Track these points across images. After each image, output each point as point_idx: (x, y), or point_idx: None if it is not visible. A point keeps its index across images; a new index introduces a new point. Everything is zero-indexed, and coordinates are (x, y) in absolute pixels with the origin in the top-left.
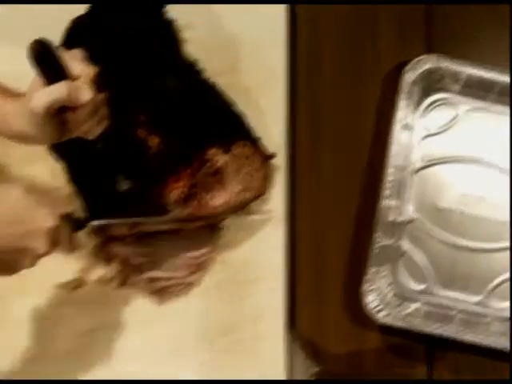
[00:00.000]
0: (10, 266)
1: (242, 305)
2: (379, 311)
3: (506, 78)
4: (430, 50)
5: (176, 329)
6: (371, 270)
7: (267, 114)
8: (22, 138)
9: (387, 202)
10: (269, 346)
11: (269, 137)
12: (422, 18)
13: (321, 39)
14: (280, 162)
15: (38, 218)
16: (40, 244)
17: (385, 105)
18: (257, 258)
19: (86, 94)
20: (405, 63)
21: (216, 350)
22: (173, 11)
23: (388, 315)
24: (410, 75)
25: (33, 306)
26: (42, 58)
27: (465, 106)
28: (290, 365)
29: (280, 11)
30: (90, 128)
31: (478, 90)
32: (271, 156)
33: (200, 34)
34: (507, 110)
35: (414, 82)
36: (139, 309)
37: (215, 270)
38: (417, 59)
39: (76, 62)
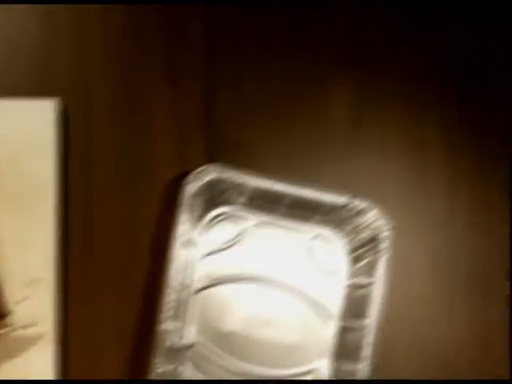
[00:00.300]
0: None
1: None
2: None
3: (295, 191)
4: (212, 159)
5: None
6: None
7: (37, 227)
8: None
9: (167, 324)
10: None
11: (37, 253)
12: (204, 124)
13: (95, 145)
14: (49, 275)
15: None
16: None
17: (164, 219)
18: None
19: None
20: (186, 173)
21: None
22: None
23: None
24: (191, 187)
25: None
26: None
27: (251, 221)
28: None
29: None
30: None
31: (264, 203)
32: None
33: None
34: (296, 224)
35: (196, 195)
36: None
37: None
38: (198, 170)
39: None
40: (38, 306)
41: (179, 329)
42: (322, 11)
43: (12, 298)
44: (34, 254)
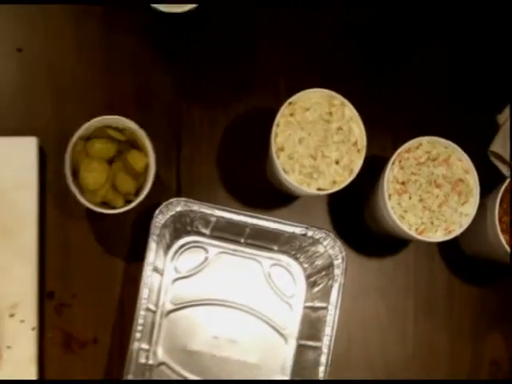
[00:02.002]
0: None
1: None
2: None
3: (256, 221)
4: (179, 193)
5: None
6: None
7: (17, 261)
8: None
9: (138, 344)
10: None
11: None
12: (175, 162)
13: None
14: (30, 310)
15: None
16: None
17: (136, 248)
18: None
19: None
20: (157, 205)
21: None
22: None
23: None
24: (161, 218)
25: None
26: None
27: (215, 249)
28: None
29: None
30: None
31: (228, 233)
32: None
33: None
34: (256, 251)
35: (165, 226)
36: None
37: None
38: (166, 202)
39: None
40: (17, 328)
41: (148, 349)
42: None
43: None
44: (14, 282)
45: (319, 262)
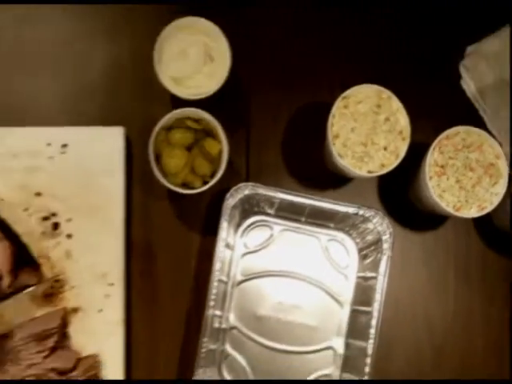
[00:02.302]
0: None
1: None
2: None
3: (314, 202)
4: (248, 178)
5: None
6: (199, 371)
7: (106, 236)
8: None
9: (212, 311)
10: None
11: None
12: (245, 149)
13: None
14: (118, 276)
15: None
16: None
17: (210, 226)
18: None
19: None
20: (227, 190)
21: None
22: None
23: None
24: (231, 200)
25: None
26: None
27: (279, 227)
28: None
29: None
30: None
31: (290, 212)
32: None
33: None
34: (315, 228)
35: (235, 206)
36: None
37: None
38: (236, 187)
39: None
40: (107, 293)
41: (222, 315)
42: None
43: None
44: (104, 253)
45: (369, 238)
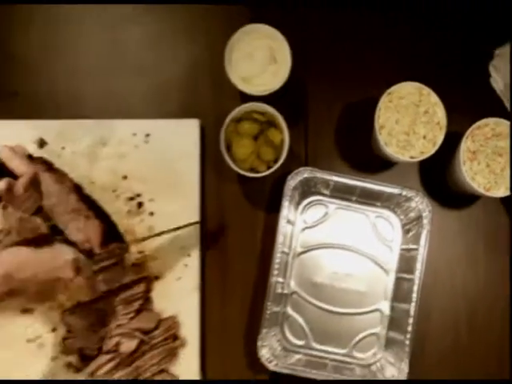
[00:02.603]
0: (50, 294)
1: None
2: (270, 361)
3: (364, 184)
4: (306, 163)
5: None
6: (264, 331)
7: (184, 213)
8: None
9: (275, 278)
10: None
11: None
12: (303, 138)
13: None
14: (195, 248)
15: (58, 255)
16: (67, 272)
17: (273, 205)
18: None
19: (20, 189)
20: (288, 173)
21: None
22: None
23: (277, 364)
24: (292, 182)
25: None
26: None
27: (333, 205)
28: None
29: (195, 129)
30: (26, 208)
31: (343, 193)
32: None
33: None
34: (364, 207)
35: (295, 188)
36: None
37: None
38: (296, 171)
39: (18, 162)
40: (185, 262)
41: (284, 282)
42: None
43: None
44: (181, 229)
45: (411, 214)
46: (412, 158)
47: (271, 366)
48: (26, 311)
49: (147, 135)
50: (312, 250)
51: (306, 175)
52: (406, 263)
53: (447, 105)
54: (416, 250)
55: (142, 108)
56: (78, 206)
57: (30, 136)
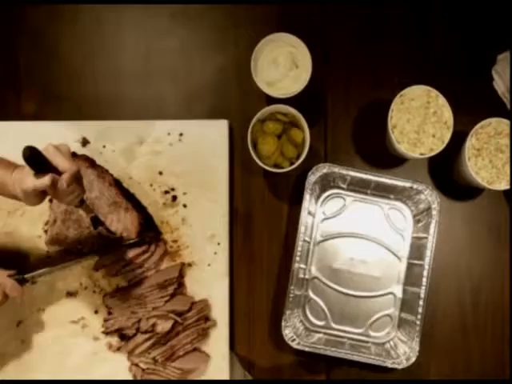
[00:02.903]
0: None
1: None
2: (293, 340)
3: (378, 178)
4: (325, 160)
5: None
6: (287, 312)
7: (214, 205)
8: (15, 199)
9: (298, 264)
10: (217, 361)
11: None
12: (323, 136)
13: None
14: (224, 237)
15: None
16: None
17: (295, 198)
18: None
19: (63, 184)
20: (309, 169)
21: None
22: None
23: (299, 343)
24: (312, 177)
25: None
26: (31, 158)
27: (350, 198)
28: (231, 373)
29: (224, 129)
30: (70, 201)
31: (359, 186)
32: None
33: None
34: (378, 199)
35: (315, 182)
36: None
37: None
38: (316, 166)
39: (62, 159)
40: (215, 250)
41: (305, 268)
42: None
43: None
44: (212, 219)
45: (422, 206)
46: (422, 154)
47: (294, 345)
48: (70, 295)
49: (181, 134)
50: (331, 238)
51: (325, 170)
52: (417, 250)
53: (454, 106)
54: (426, 238)
55: (175, 110)
56: (117, 199)
57: (74, 136)
